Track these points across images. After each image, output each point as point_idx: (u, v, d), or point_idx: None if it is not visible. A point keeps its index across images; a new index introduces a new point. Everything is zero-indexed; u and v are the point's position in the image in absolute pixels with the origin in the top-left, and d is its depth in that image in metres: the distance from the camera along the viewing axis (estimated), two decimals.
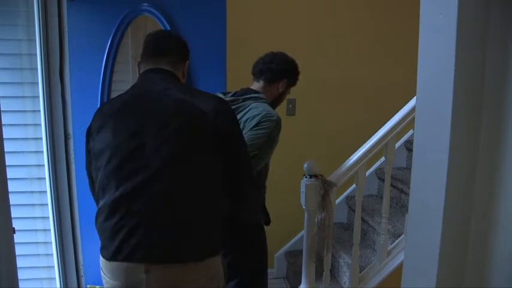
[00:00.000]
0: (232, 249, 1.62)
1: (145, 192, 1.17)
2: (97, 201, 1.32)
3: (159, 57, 1.34)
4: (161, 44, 1.38)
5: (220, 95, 1.74)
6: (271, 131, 1.59)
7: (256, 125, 1.60)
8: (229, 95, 1.76)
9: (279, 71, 1.76)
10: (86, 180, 2.23)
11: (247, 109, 1.66)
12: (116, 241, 1.18)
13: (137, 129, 1.22)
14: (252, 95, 1.72)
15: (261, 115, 1.60)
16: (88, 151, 1.35)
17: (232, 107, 1.61)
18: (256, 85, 1.79)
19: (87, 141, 1.34)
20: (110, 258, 1.19)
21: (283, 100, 1.84)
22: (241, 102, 1.71)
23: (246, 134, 1.57)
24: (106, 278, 1.24)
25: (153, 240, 1.16)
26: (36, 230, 2.26)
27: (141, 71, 1.38)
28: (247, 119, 1.63)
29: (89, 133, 1.34)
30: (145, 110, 1.26)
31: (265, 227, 1.77)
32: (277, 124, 1.61)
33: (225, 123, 1.26)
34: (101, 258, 1.24)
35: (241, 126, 1.58)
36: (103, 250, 1.23)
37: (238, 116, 1.63)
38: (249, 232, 1.69)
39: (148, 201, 1.17)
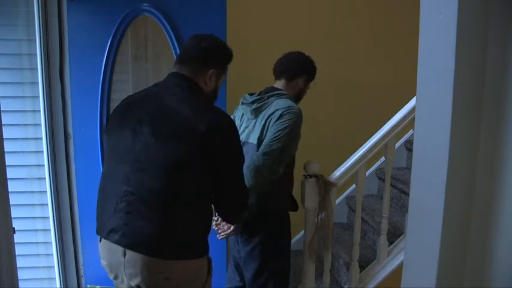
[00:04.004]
0: (253, 235, 1.79)
1: (131, 182, 1.30)
2: None
3: (182, 64, 1.44)
4: (186, 52, 1.47)
5: (247, 96, 1.86)
6: (293, 123, 1.69)
7: (279, 118, 1.70)
8: (255, 95, 1.86)
9: (295, 70, 1.89)
10: (86, 180, 2.24)
11: (271, 105, 1.76)
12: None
13: (132, 127, 1.34)
14: (276, 92, 1.82)
15: (282, 108, 1.71)
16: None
17: (259, 105, 1.76)
18: (279, 83, 1.90)
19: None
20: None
21: (304, 94, 1.95)
22: (267, 99, 1.80)
23: (271, 127, 1.70)
24: None
25: (129, 227, 1.30)
26: (36, 230, 2.26)
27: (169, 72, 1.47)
28: (270, 114, 1.73)
29: (107, 120, 1.51)
30: (143, 112, 1.36)
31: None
32: (298, 116, 1.72)
33: (215, 140, 1.30)
34: None
35: (265, 121, 1.73)
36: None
37: (264, 112, 1.76)
38: (270, 220, 1.80)
39: (134, 190, 1.30)
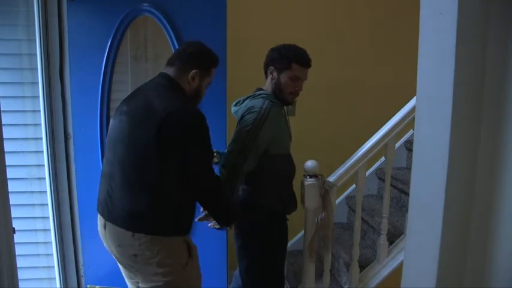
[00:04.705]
0: (242, 232, 1.80)
1: (113, 164, 1.52)
2: None
3: (168, 65, 1.60)
4: (173, 55, 1.64)
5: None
6: (252, 122, 1.67)
7: (240, 119, 1.73)
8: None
9: (265, 64, 1.85)
10: (86, 180, 2.24)
11: (244, 108, 1.76)
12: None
13: (118, 118, 1.55)
14: (253, 94, 1.81)
15: (246, 111, 1.72)
16: None
17: (237, 109, 1.80)
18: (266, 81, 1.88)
19: None
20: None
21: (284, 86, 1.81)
22: (242, 103, 1.81)
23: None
24: None
25: (110, 201, 1.52)
26: (36, 230, 2.26)
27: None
28: (239, 118, 1.75)
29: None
30: (128, 105, 1.55)
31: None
32: (258, 114, 1.68)
33: (173, 128, 1.41)
34: None
35: (237, 124, 1.76)
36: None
37: (240, 117, 1.75)
38: (258, 218, 1.78)
39: (114, 171, 1.52)
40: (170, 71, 1.58)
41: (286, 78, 1.77)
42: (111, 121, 1.61)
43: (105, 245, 1.59)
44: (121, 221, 1.47)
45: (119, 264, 1.63)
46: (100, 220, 1.57)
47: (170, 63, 1.60)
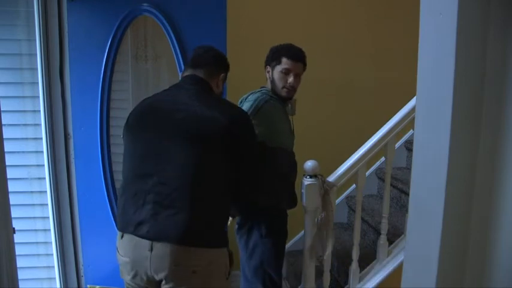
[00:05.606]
0: (241, 230, 1.84)
1: (159, 175, 1.38)
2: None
3: (196, 68, 1.57)
4: (199, 58, 1.60)
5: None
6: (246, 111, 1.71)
7: None
8: None
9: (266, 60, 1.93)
10: (86, 180, 2.24)
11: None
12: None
13: (159, 128, 1.43)
14: (254, 90, 1.88)
15: (242, 103, 1.81)
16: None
17: (241, 105, 1.84)
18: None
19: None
20: None
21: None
22: (246, 98, 1.87)
23: None
24: None
25: (158, 217, 1.36)
26: (36, 230, 2.26)
27: (182, 76, 1.61)
28: None
29: (126, 121, 1.54)
30: (166, 117, 1.44)
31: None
32: (253, 103, 1.75)
33: (236, 131, 1.42)
34: None
35: None
36: None
37: None
38: (255, 215, 1.81)
39: (165, 181, 1.38)
40: (201, 74, 1.54)
41: (278, 72, 1.84)
42: (140, 129, 1.47)
43: (136, 269, 1.38)
44: (179, 238, 1.32)
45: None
46: (142, 244, 1.35)
47: (197, 65, 1.56)
